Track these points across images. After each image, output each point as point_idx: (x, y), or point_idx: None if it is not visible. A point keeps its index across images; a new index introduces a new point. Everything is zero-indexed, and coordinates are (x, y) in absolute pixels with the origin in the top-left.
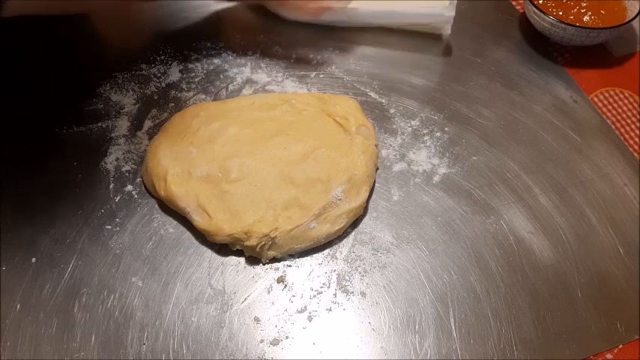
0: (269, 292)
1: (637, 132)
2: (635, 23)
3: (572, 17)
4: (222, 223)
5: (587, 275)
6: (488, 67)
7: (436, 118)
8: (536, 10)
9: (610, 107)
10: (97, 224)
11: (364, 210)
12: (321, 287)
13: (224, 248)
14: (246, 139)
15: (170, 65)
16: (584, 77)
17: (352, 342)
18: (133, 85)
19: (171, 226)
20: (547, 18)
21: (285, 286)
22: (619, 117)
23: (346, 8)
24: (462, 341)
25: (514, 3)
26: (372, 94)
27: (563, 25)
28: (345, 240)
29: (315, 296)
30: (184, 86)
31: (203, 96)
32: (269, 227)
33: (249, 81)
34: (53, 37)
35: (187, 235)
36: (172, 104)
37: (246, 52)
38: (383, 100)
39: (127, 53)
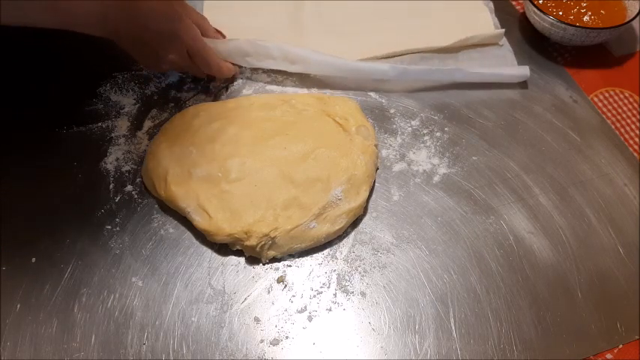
0: (269, 292)
1: (637, 132)
2: (635, 23)
3: (572, 17)
4: (222, 223)
5: (587, 275)
6: None
7: (436, 118)
8: (536, 10)
9: (610, 107)
10: (97, 224)
11: (364, 210)
12: (321, 287)
13: (224, 248)
14: (246, 139)
15: None
16: (584, 77)
17: (352, 342)
18: (132, 85)
19: (171, 226)
20: (547, 18)
21: (285, 286)
22: (619, 117)
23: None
24: (462, 341)
25: (514, 3)
26: (372, 94)
27: (563, 25)
28: (345, 240)
29: (315, 296)
30: (184, 86)
31: (203, 96)
32: (269, 227)
33: (249, 81)
34: (53, 37)
35: (187, 235)
36: (172, 104)
37: None
38: (383, 100)
39: (127, 53)
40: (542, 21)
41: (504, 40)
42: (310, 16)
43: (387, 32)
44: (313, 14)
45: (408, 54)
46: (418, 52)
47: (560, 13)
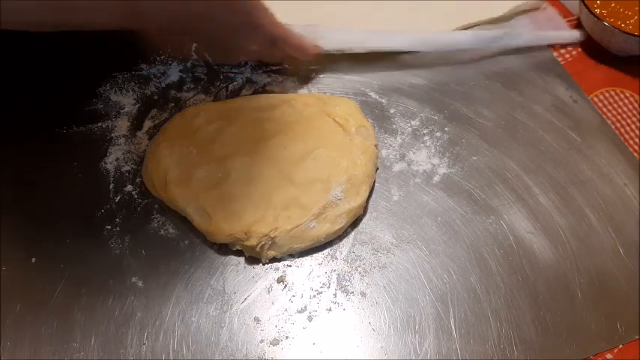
0: (269, 292)
1: (637, 132)
2: None
3: (631, 26)
4: (222, 223)
5: (587, 275)
6: (488, 67)
7: (436, 118)
8: (594, 19)
9: (610, 107)
10: (96, 224)
11: (364, 210)
12: (321, 287)
13: (224, 248)
14: (246, 139)
15: (170, 65)
16: (584, 77)
17: (352, 342)
18: (133, 85)
19: (171, 226)
20: (618, 31)
21: (285, 286)
22: (619, 117)
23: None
24: (462, 341)
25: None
26: (372, 94)
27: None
28: (345, 240)
29: (315, 296)
30: (184, 86)
31: (203, 96)
32: (269, 227)
33: (249, 81)
34: (53, 37)
35: (187, 235)
36: (172, 104)
37: None
38: (383, 100)
39: (127, 53)
40: (599, 29)
41: (546, 4)
42: None
43: (436, 8)
44: None
45: (464, 29)
46: (473, 27)
47: (620, 23)
